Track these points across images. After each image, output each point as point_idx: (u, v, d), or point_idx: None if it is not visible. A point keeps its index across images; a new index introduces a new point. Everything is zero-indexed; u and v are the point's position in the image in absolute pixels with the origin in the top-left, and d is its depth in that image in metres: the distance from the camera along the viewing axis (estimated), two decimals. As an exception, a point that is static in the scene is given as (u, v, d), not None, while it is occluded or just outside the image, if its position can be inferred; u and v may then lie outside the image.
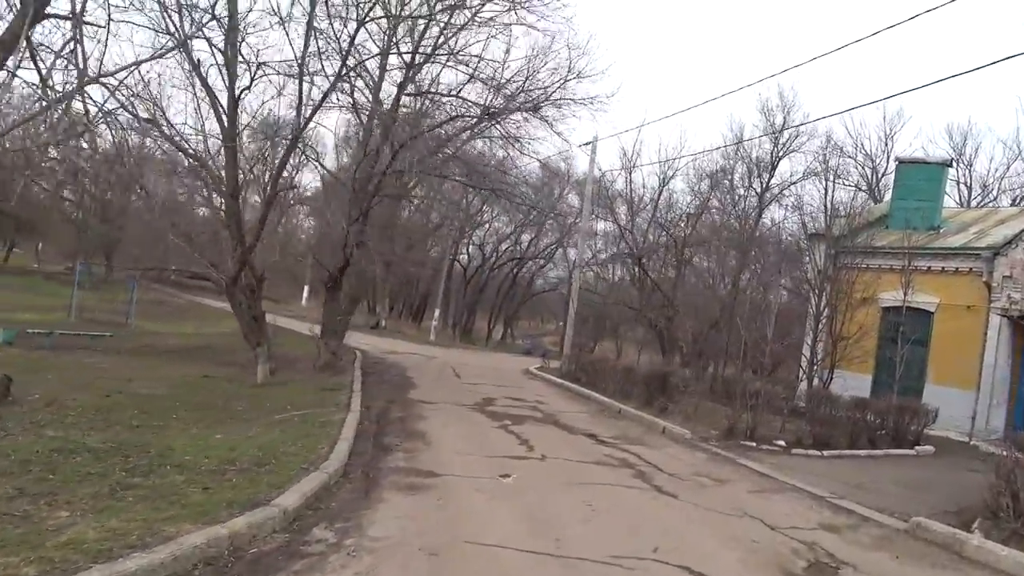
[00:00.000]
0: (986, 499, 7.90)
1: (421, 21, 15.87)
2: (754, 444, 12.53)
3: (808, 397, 14.70)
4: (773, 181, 30.27)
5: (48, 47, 9.21)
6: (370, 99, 17.55)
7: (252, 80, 13.07)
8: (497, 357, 32.89)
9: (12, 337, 19.53)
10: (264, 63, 13.16)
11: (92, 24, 8.58)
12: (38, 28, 9.30)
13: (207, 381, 15.79)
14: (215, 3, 12.16)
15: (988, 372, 16.60)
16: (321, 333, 18.84)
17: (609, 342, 40.47)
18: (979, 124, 63.04)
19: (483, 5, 15.87)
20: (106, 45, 9.88)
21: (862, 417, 13.99)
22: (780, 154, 30.24)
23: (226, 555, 5.02)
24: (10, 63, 8.33)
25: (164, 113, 14.61)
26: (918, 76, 79.06)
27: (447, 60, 17.13)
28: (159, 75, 19.85)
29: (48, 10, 9.42)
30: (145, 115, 14.48)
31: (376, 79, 17.22)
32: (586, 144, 24.69)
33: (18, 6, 9.10)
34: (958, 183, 36.86)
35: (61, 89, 8.40)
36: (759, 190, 29.56)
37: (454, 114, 17.43)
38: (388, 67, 17.28)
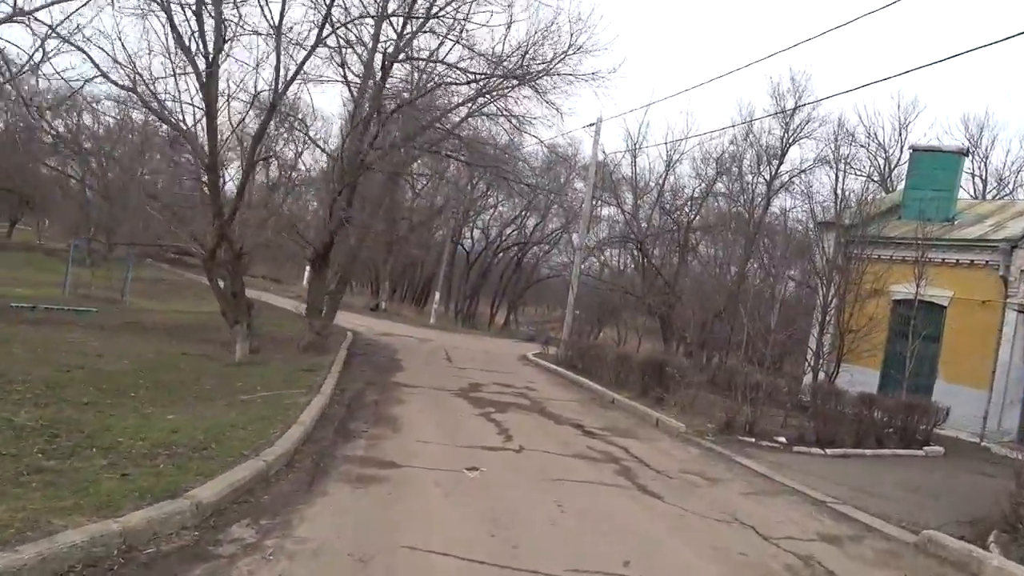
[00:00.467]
0: (1003, 510, 7.10)
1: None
2: (753, 440, 11.76)
3: (812, 391, 13.92)
4: (783, 168, 29.38)
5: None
6: (361, 73, 16.74)
7: (223, 41, 12.24)
8: (497, 342, 32.19)
9: (-7, 310, 19.06)
10: (239, 23, 12.32)
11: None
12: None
13: (183, 358, 15.13)
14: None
15: (1002, 370, 15.78)
16: (306, 312, 18.12)
17: (613, 330, 39.73)
18: (996, 115, 61.53)
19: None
20: None
21: (869, 414, 13.22)
22: (790, 140, 29.26)
23: (115, 555, 4.29)
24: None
25: (144, 79, 13.92)
26: (933, 68, 77.61)
27: (446, 33, 16.32)
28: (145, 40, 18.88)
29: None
30: (126, 82, 13.89)
31: (369, 49, 16.39)
32: (590, 125, 23.93)
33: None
34: (973, 175, 35.84)
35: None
36: (768, 177, 28.67)
37: (441, 82, 16.51)
38: (381, 39, 16.45)
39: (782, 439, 12.02)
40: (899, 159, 34.67)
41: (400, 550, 4.99)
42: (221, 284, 15.86)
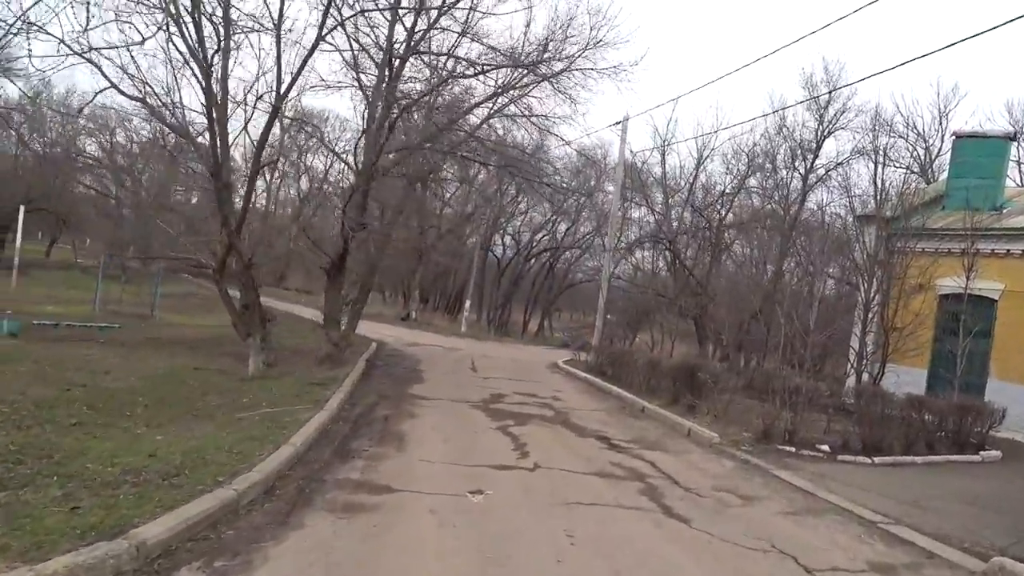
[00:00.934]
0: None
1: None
2: (793, 449, 10.85)
3: (856, 394, 12.94)
4: (818, 163, 28.18)
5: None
6: (376, 75, 16.14)
7: (220, 41, 11.72)
8: (529, 350, 31.45)
9: (17, 329, 18.97)
10: (237, 23, 11.81)
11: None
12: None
13: (195, 373, 14.67)
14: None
15: (1062, 367, 14.63)
16: (323, 323, 17.56)
17: (649, 334, 38.74)
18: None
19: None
20: None
21: (918, 417, 12.20)
22: (825, 133, 28.07)
23: (25, 613, 3.65)
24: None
25: (153, 91, 13.59)
26: (974, 51, 75.13)
27: (461, 31, 15.67)
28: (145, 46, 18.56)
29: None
30: (135, 92, 13.59)
31: (384, 50, 15.78)
32: (616, 124, 23.10)
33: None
34: (1020, 163, 34.10)
35: None
36: (803, 172, 27.50)
37: (451, 75, 15.78)
38: (396, 41, 15.85)
39: (825, 447, 11.10)
40: (940, 149, 33.19)
41: (370, 597, 4.28)
42: (238, 295, 15.42)
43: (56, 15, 12.03)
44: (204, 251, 15.76)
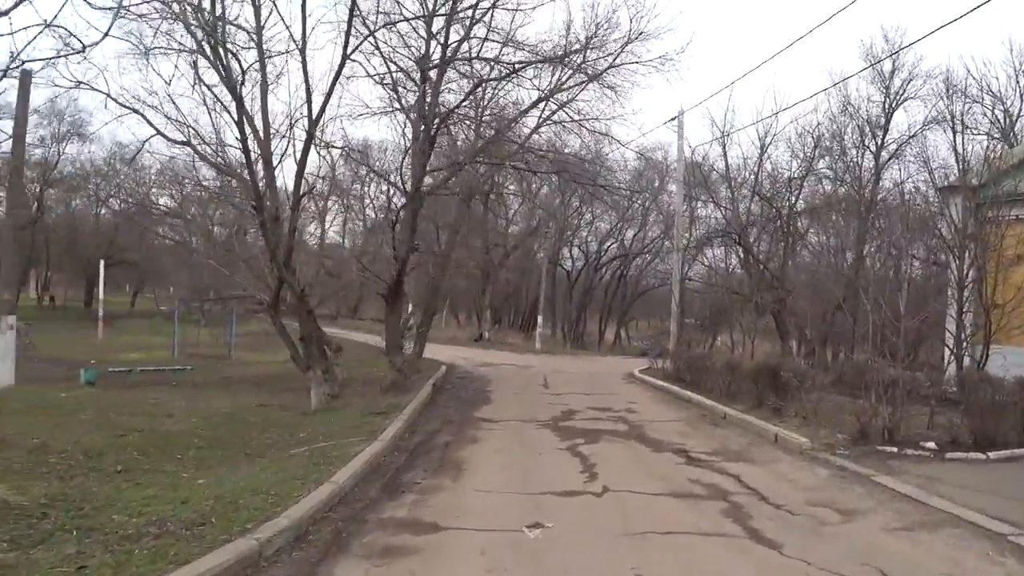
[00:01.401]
0: None
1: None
2: (894, 449, 9.68)
3: (960, 382, 11.63)
4: (889, 138, 26.40)
5: None
6: (414, 93, 15.77)
7: (244, 72, 11.52)
8: (605, 361, 30.57)
9: (94, 377, 19.45)
10: (268, 50, 11.57)
11: None
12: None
13: (258, 411, 14.48)
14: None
15: None
16: (386, 351, 17.16)
17: (729, 335, 37.31)
18: None
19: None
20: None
21: (1035, 402, 10.81)
22: (893, 106, 26.24)
23: None
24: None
25: (197, 132, 13.62)
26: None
27: (503, 42, 15.16)
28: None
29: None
30: (180, 137, 13.65)
31: (420, 65, 15.42)
32: (672, 120, 22.18)
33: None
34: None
35: None
36: (874, 149, 25.81)
37: (482, 79, 15.21)
38: (431, 54, 15.44)
39: (931, 444, 9.90)
40: (1020, 109, 30.76)
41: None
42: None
43: (101, 73, 12.24)
44: (262, 287, 15.63)
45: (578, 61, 14.78)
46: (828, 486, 8.01)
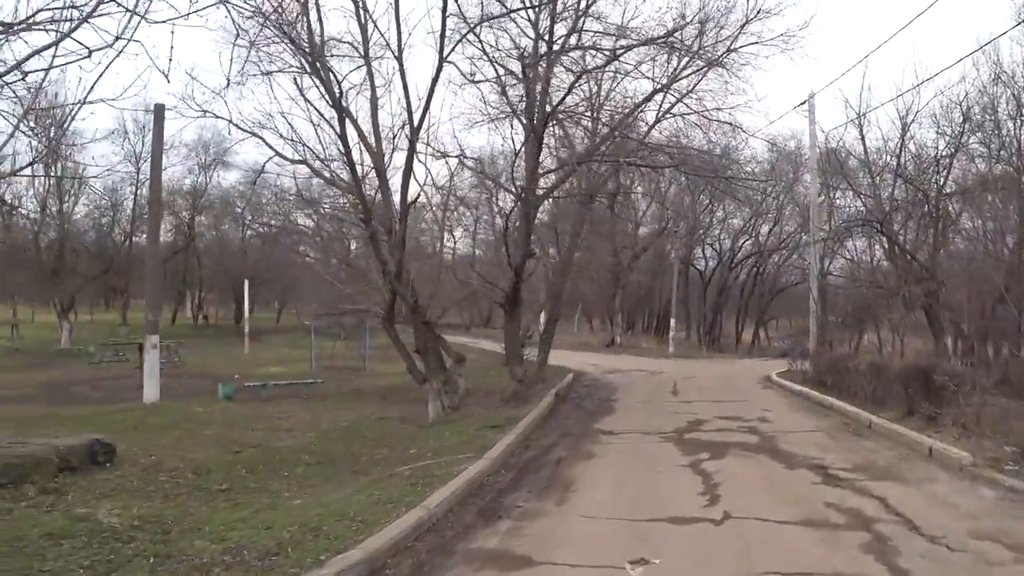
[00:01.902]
0: None
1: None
2: (1081, 466, 8.19)
3: None
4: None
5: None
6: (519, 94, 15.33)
7: (339, 84, 11.44)
8: (741, 364, 29.04)
9: (231, 392, 20.13)
10: (372, 56, 11.42)
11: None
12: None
13: (377, 424, 14.45)
14: None
15: None
16: (506, 360, 16.73)
17: (876, 333, 34.57)
18: None
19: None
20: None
21: None
22: (1052, 66, 23.26)
23: None
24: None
25: (310, 149, 13.86)
26: None
27: (617, 35, 14.45)
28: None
29: None
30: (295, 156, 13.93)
31: (525, 62, 14.95)
32: (801, 104, 20.65)
33: None
34: None
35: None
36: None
37: (585, 69, 14.44)
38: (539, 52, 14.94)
39: None
40: None
41: None
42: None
43: (217, 95, 12.61)
44: (379, 300, 15.63)
45: (692, 46, 13.83)
46: (996, 512, 6.70)
